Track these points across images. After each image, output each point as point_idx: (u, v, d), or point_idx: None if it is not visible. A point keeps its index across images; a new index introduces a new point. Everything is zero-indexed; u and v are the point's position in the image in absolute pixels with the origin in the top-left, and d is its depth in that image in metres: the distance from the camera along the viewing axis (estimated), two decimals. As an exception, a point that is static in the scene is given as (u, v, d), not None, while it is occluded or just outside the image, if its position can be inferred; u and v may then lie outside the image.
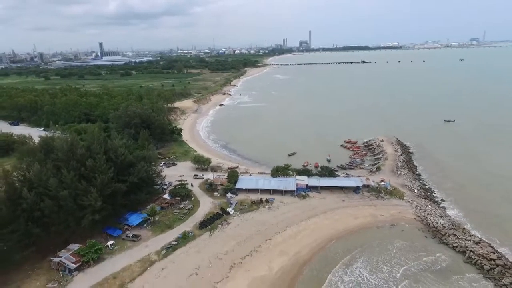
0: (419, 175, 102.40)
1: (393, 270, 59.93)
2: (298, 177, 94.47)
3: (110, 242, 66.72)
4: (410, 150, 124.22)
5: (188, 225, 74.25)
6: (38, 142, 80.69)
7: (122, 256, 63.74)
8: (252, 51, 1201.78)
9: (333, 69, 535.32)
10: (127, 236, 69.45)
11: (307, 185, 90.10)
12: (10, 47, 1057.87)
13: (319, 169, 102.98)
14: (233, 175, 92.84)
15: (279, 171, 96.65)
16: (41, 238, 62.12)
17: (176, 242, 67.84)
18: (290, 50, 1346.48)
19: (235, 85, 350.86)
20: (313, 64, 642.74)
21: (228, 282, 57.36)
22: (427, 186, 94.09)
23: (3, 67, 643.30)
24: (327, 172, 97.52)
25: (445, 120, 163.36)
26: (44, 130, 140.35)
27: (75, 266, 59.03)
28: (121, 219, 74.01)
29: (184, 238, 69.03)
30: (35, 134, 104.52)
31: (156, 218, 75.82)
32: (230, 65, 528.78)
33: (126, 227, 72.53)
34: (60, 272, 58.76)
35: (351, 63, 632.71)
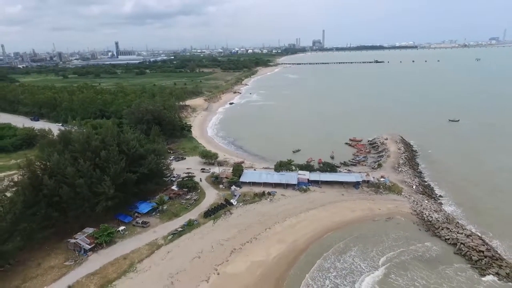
0: (420, 172, 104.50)
1: (383, 259, 63.11)
2: (300, 172, 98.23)
3: (122, 228, 72.24)
4: (414, 148, 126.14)
5: (193, 214, 79.20)
6: (57, 135, 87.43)
7: (132, 240, 69.12)
8: (265, 51, 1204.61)
9: (345, 68, 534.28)
10: (137, 223, 74.93)
11: (308, 179, 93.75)
12: (31, 46, 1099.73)
13: (321, 164, 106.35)
14: (237, 169, 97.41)
15: (282, 166, 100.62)
16: (59, 222, 68.27)
17: (182, 229, 72.85)
18: (303, 50, 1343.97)
19: (246, 84, 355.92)
20: (325, 63, 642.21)
21: (228, 265, 61.84)
22: (426, 183, 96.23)
23: (25, 65, 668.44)
24: (329, 167, 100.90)
25: (449, 120, 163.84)
26: (62, 125, 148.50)
27: (89, 247, 64.77)
28: (131, 207, 79.65)
29: (190, 226, 74.01)
30: (54, 128, 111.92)
31: (164, 207, 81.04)
32: (242, 64, 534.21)
33: (136, 214, 78.11)
34: (76, 252, 64.64)
35: (363, 62, 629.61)
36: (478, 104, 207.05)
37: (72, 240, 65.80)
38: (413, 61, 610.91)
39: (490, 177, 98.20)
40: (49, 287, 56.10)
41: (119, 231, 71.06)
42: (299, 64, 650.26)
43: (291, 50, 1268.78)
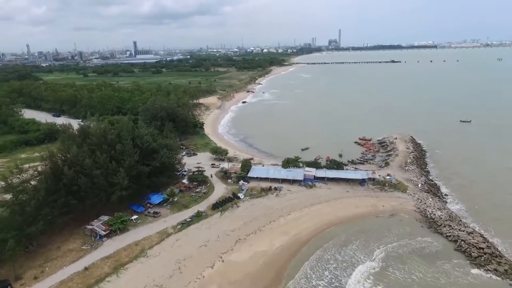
0: (428, 171, 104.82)
1: (383, 252, 64.87)
2: (307, 168, 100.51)
3: (134, 217, 76.77)
4: (423, 148, 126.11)
5: (202, 206, 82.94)
6: (76, 129, 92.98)
7: (143, 228, 73.47)
8: (280, 50, 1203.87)
9: (361, 68, 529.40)
10: (149, 213, 79.36)
11: (314, 176, 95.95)
12: (54, 46, 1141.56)
13: (328, 162, 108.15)
14: (246, 165, 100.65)
15: (289, 163, 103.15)
16: (77, 209, 73.31)
17: (190, 219, 76.69)
18: (319, 49, 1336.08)
19: (260, 83, 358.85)
20: (341, 63, 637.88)
21: (233, 253, 65.16)
22: (432, 182, 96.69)
23: (48, 64, 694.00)
24: (335, 165, 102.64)
25: (461, 121, 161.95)
26: (82, 121, 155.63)
27: (104, 233, 69.52)
28: (144, 198, 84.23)
29: (198, 217, 77.78)
30: (75, 124, 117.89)
31: (175, 199, 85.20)
32: (256, 63, 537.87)
33: (148, 205, 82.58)
34: (92, 238, 69.52)
35: (379, 62, 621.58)
36: (493, 105, 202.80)
37: (89, 226, 70.77)
38: (431, 61, 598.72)
39: (496, 177, 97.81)
40: (68, 267, 60.93)
41: (132, 219, 75.57)
42: (314, 63, 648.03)
43: (306, 49, 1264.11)
